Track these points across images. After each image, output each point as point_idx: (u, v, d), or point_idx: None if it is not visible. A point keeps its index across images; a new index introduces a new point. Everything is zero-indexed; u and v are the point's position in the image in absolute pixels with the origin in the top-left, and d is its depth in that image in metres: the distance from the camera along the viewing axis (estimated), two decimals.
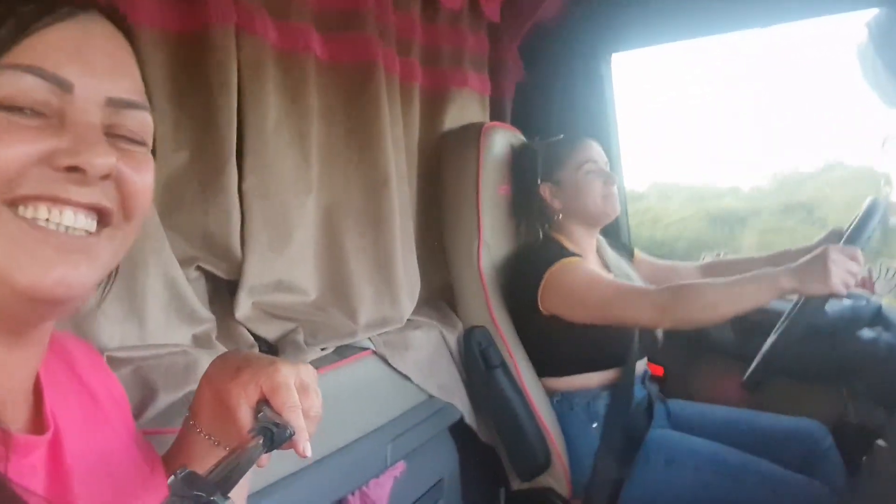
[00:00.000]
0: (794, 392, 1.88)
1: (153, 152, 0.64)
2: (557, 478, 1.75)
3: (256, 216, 1.34)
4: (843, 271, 1.31)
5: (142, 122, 0.60)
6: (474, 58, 2.04)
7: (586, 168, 1.79)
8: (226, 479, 0.52)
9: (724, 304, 1.43)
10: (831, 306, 1.41)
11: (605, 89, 2.29)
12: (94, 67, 0.55)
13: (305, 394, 0.68)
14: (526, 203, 1.88)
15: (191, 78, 1.24)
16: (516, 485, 1.82)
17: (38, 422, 0.62)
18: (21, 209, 0.52)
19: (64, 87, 0.53)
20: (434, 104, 1.92)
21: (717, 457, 1.63)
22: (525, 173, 1.87)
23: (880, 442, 1.03)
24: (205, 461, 0.76)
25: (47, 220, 0.52)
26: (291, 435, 0.63)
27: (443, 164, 1.88)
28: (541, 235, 1.85)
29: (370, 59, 1.54)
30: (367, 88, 1.54)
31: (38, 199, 0.52)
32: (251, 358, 0.71)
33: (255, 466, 0.59)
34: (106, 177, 0.55)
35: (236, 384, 0.68)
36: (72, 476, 0.61)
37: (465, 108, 2.00)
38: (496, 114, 2.19)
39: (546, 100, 2.30)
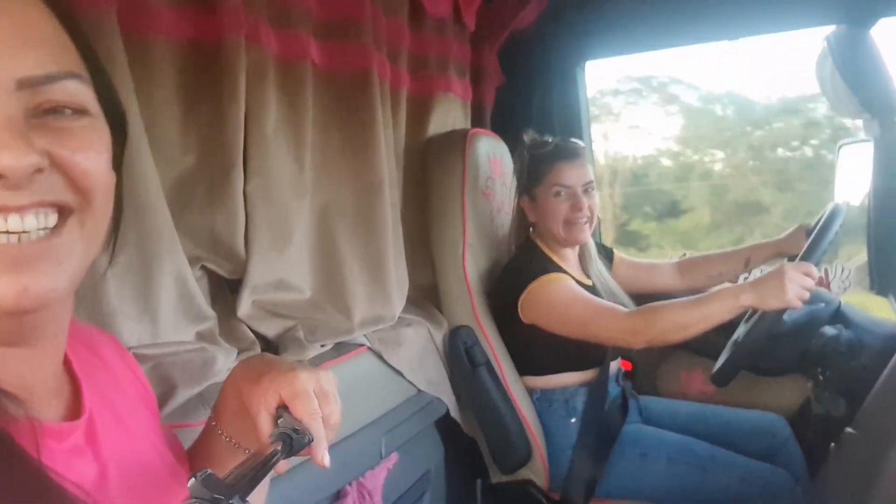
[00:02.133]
0: (756, 385, 1.99)
1: (116, 114, 0.60)
2: (536, 471, 1.83)
3: (259, 218, 1.37)
4: (798, 287, 1.42)
5: (69, 91, 0.52)
6: (457, 64, 2.10)
7: (554, 191, 1.82)
8: (244, 482, 0.53)
9: (692, 323, 1.53)
10: (789, 314, 1.52)
11: (580, 95, 2.38)
12: None
13: (326, 401, 0.68)
14: (515, 209, 1.96)
15: (201, 85, 1.27)
16: (497, 477, 1.89)
17: (75, 408, 0.63)
18: None
19: None
20: (420, 109, 1.97)
21: (687, 449, 1.73)
22: (516, 180, 1.94)
23: (849, 430, 1.12)
24: (224, 463, 0.77)
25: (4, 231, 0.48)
26: (310, 441, 0.64)
27: (429, 169, 1.94)
28: (530, 241, 1.92)
29: (366, 66, 1.58)
30: (363, 94, 1.59)
31: None
32: (273, 364, 0.72)
33: (273, 472, 0.60)
34: (37, 172, 0.49)
35: (257, 390, 0.68)
36: (108, 460, 0.62)
37: (449, 113, 2.06)
38: (476, 118, 2.27)
39: (524, 105, 2.38)
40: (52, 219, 0.51)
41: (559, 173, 1.82)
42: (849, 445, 1.10)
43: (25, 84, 0.49)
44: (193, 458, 0.82)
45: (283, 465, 0.62)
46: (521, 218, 1.93)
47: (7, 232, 0.48)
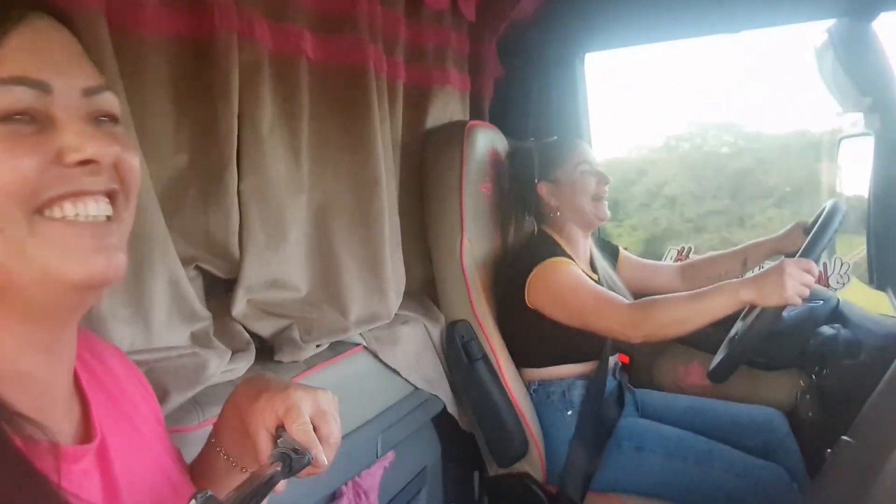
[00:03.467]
0: (753, 381, 1.99)
1: None
2: (533, 464, 1.84)
3: (254, 216, 1.36)
4: (798, 283, 1.41)
5: (111, 101, 0.61)
6: (456, 55, 2.08)
7: (581, 168, 1.85)
8: (245, 503, 0.54)
9: (690, 318, 1.53)
10: (788, 310, 1.51)
11: (579, 87, 2.36)
12: (61, 65, 0.57)
13: (324, 420, 0.69)
14: (521, 201, 1.94)
15: (193, 82, 1.25)
16: (494, 470, 1.90)
17: (85, 429, 0.65)
18: (48, 212, 0.55)
19: (46, 89, 0.55)
20: (417, 101, 1.95)
21: (684, 443, 1.73)
22: (521, 172, 1.92)
23: (846, 437, 1.11)
24: (224, 481, 0.78)
25: (76, 215, 0.56)
26: (310, 461, 0.64)
27: (426, 162, 1.92)
28: (535, 231, 1.92)
29: (361, 60, 1.56)
30: (358, 89, 1.57)
31: (61, 198, 0.55)
32: (270, 384, 0.72)
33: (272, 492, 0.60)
34: (112, 162, 0.58)
35: (255, 409, 0.69)
36: (119, 481, 0.63)
37: (447, 105, 2.04)
38: (475, 110, 2.24)
39: (523, 96, 2.35)
40: (109, 208, 0.59)
41: (583, 152, 1.88)
42: (845, 454, 1.09)
43: (88, 92, 0.58)
44: (193, 475, 0.82)
45: (281, 485, 0.62)
46: (537, 206, 1.92)
47: (85, 216, 0.56)
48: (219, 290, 1.40)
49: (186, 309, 1.23)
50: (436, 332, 1.80)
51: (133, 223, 1.07)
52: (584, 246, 1.94)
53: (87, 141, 0.55)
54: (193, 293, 1.25)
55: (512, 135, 2.14)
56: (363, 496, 1.44)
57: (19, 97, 0.53)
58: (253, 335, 1.37)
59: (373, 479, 1.49)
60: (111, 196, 0.59)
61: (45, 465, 0.54)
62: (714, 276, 2.00)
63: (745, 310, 1.62)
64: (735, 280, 1.52)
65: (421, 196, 1.93)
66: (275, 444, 0.66)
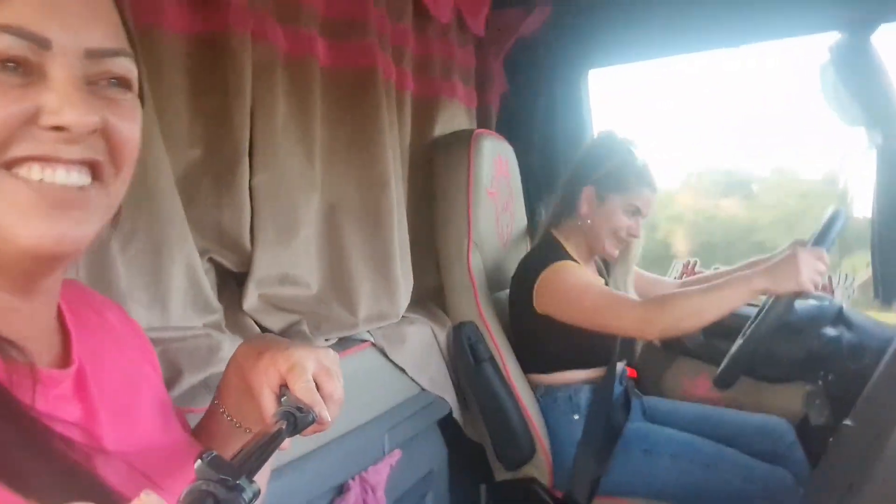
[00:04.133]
0: (760, 391, 1.99)
1: (141, 98, 0.64)
2: (540, 468, 1.83)
3: (265, 212, 1.39)
4: (812, 270, 1.43)
5: (124, 67, 0.58)
6: (462, 70, 2.13)
7: (633, 209, 1.81)
8: (251, 463, 0.54)
9: (706, 310, 1.53)
10: (799, 304, 1.52)
11: (583, 104, 2.40)
12: (69, 20, 0.54)
13: (328, 377, 0.69)
14: (564, 191, 1.93)
15: (207, 79, 1.29)
16: (500, 475, 1.90)
17: (65, 358, 0.65)
18: (15, 169, 0.53)
19: (42, 44, 0.52)
20: (424, 112, 1.99)
21: (691, 446, 1.73)
22: (587, 165, 1.89)
23: (847, 422, 1.12)
24: (227, 443, 0.78)
25: (41, 179, 0.53)
26: (314, 420, 0.65)
27: (435, 169, 1.96)
28: (549, 233, 1.92)
29: (371, 65, 1.61)
30: (368, 93, 1.61)
31: (30, 159, 0.53)
32: (271, 343, 0.73)
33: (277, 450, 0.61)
34: (92, 132, 0.55)
35: (258, 369, 0.70)
36: (98, 408, 0.63)
37: (454, 119, 2.08)
38: (482, 124, 2.28)
39: (528, 112, 2.40)
40: (86, 179, 0.56)
41: (645, 198, 1.83)
42: (846, 438, 1.10)
43: (92, 54, 0.55)
44: (197, 437, 0.82)
45: (286, 443, 0.62)
46: (571, 201, 1.89)
47: (52, 182, 0.54)
48: (231, 284, 1.42)
49: (201, 299, 1.25)
50: (442, 336, 1.82)
51: (152, 208, 1.12)
52: (592, 257, 1.95)
53: (66, 106, 0.52)
54: (207, 283, 1.27)
55: (517, 149, 2.18)
56: (370, 491, 1.44)
57: (9, 45, 0.51)
58: (263, 329, 1.39)
59: (379, 475, 1.49)
60: (93, 167, 0.56)
61: (23, 386, 0.54)
62: None
63: (755, 314, 1.64)
64: (748, 271, 1.54)
65: (428, 202, 1.96)
66: (278, 402, 0.67)
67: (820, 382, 1.79)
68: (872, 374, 1.39)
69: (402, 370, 1.61)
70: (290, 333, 1.40)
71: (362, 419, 1.47)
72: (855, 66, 1.76)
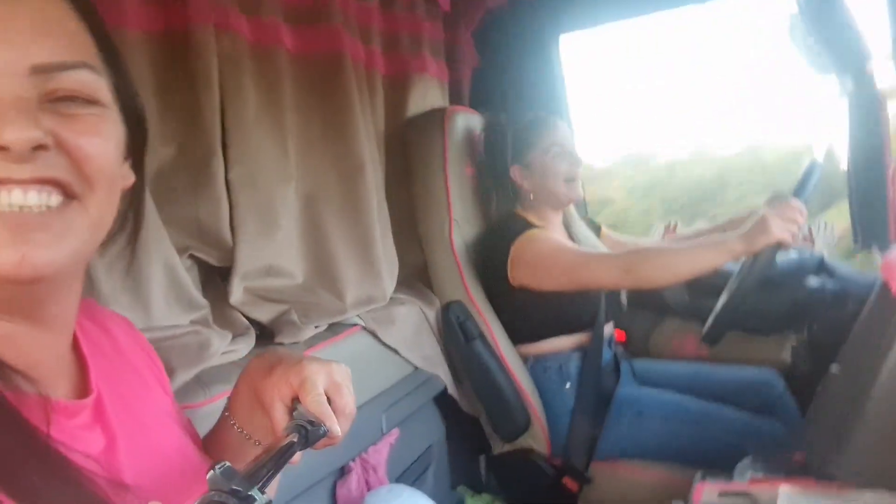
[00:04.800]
0: (747, 343, 2.02)
1: (133, 108, 0.63)
2: (537, 438, 1.86)
3: (244, 205, 1.39)
4: (784, 221, 1.45)
5: (80, 81, 0.55)
6: (432, 44, 2.11)
7: (553, 151, 1.86)
8: (262, 474, 0.54)
9: (682, 265, 1.55)
10: (780, 258, 1.53)
11: (556, 70, 2.39)
12: (10, 36, 0.51)
13: (339, 391, 0.69)
14: (497, 181, 1.96)
15: (174, 75, 1.28)
16: (498, 448, 1.92)
17: (82, 388, 0.65)
18: None
19: None
20: (397, 90, 1.98)
21: (682, 406, 1.75)
22: (495, 153, 1.93)
23: (833, 368, 1.15)
24: (237, 454, 0.79)
25: None
26: (325, 433, 0.65)
27: (409, 150, 1.95)
28: (514, 210, 1.93)
29: (338, 49, 1.60)
30: (337, 78, 1.60)
31: None
32: (283, 356, 0.73)
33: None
34: (39, 148, 0.51)
35: (269, 382, 0.70)
36: (117, 436, 0.64)
37: (427, 94, 2.07)
38: (455, 98, 2.27)
39: (501, 83, 2.39)
40: (56, 199, 0.54)
41: (554, 133, 1.88)
42: (832, 385, 1.12)
43: (39, 70, 0.52)
44: (207, 448, 0.83)
45: (297, 456, 0.62)
46: (512, 188, 1.93)
47: (10, 204, 0.51)
48: (215, 279, 1.42)
49: (184, 296, 1.25)
50: (431, 314, 1.82)
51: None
52: (558, 220, 1.97)
53: (3, 125, 0.50)
54: (190, 281, 1.27)
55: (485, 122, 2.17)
56: (372, 471, 1.46)
57: None
58: (252, 321, 1.39)
59: (380, 454, 1.51)
60: (60, 186, 0.54)
61: (35, 418, 0.54)
62: None
63: (738, 270, 1.66)
64: (725, 234, 1.55)
65: (408, 184, 1.96)
66: (290, 416, 0.67)
67: (805, 332, 1.82)
68: (856, 321, 1.42)
69: (395, 351, 1.62)
70: (279, 323, 1.40)
71: (359, 401, 1.47)
72: (823, 14, 1.76)
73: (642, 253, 1.62)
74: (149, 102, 1.24)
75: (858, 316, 1.51)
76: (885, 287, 1.15)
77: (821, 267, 1.86)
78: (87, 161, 0.55)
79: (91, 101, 0.56)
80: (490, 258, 1.87)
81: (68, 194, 0.55)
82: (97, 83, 0.57)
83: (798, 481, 1.08)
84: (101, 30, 0.60)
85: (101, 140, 0.57)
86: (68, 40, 0.56)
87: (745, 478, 1.32)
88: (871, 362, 0.99)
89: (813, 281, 1.76)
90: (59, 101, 0.54)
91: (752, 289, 1.52)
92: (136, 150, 0.64)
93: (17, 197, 0.51)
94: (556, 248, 1.74)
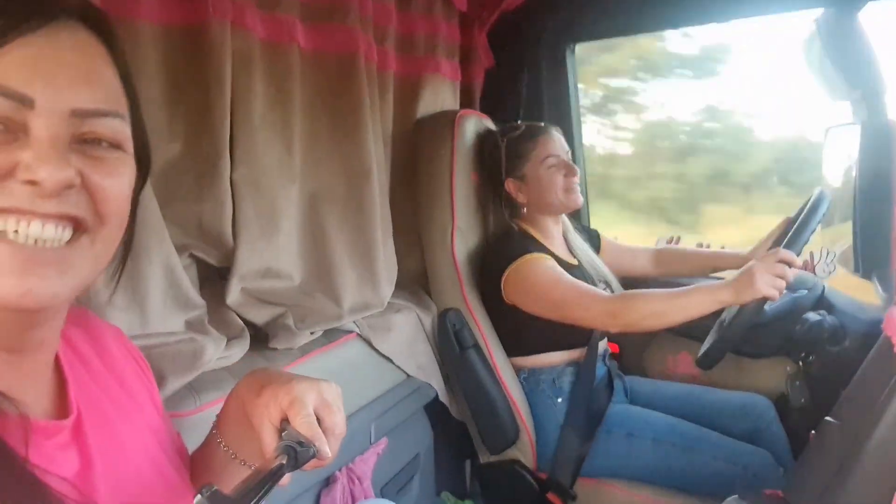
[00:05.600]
0: (741, 367, 2.02)
1: (144, 153, 0.65)
2: (524, 450, 1.85)
3: (247, 205, 1.37)
4: (769, 278, 1.44)
5: (111, 128, 0.59)
6: (446, 45, 2.08)
7: (548, 162, 1.85)
8: (251, 498, 0.54)
9: (670, 313, 1.55)
10: (770, 304, 1.53)
11: (568, 77, 2.36)
12: (56, 81, 0.55)
13: (329, 411, 0.69)
14: (493, 194, 1.95)
15: (186, 71, 1.26)
16: (485, 458, 1.91)
17: (62, 408, 0.65)
18: None
19: (25, 102, 0.53)
20: (408, 90, 1.96)
21: (673, 429, 1.75)
22: (491, 166, 1.93)
23: (829, 419, 1.14)
24: (223, 474, 0.78)
25: (16, 231, 0.53)
26: (315, 454, 0.64)
27: (417, 152, 1.93)
28: (512, 225, 1.92)
29: (352, 49, 1.57)
30: (349, 79, 1.58)
31: (6, 211, 0.53)
32: (274, 376, 0.72)
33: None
34: (68, 187, 0.55)
35: (258, 403, 0.69)
36: (94, 459, 0.63)
37: (438, 95, 2.05)
38: (466, 100, 2.25)
39: (513, 86, 2.36)
40: (68, 233, 0.56)
41: (547, 144, 1.87)
42: (827, 435, 1.11)
43: (78, 114, 0.56)
44: (193, 465, 0.83)
45: (286, 478, 0.62)
46: (508, 200, 1.92)
47: (27, 235, 0.54)
48: (213, 278, 1.41)
49: (181, 296, 1.24)
50: (428, 320, 1.81)
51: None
52: (558, 231, 1.96)
53: (40, 162, 0.53)
54: (188, 281, 1.26)
55: (502, 125, 2.15)
56: (357, 482, 1.46)
57: None
58: (247, 323, 1.38)
59: (366, 465, 1.51)
60: (74, 221, 0.56)
61: (14, 438, 0.54)
62: (684, 271, 2.09)
63: (726, 311, 1.65)
64: (714, 283, 1.56)
65: (413, 186, 1.94)
66: (279, 436, 0.66)
67: (800, 363, 1.81)
68: (852, 357, 1.41)
69: (388, 359, 1.61)
70: (274, 327, 1.39)
71: (349, 410, 1.46)
72: (842, 41, 1.75)
73: (631, 299, 1.61)
74: (157, 97, 1.24)
75: (855, 352, 1.51)
76: (885, 342, 1.14)
77: (821, 301, 1.85)
78: (106, 201, 0.58)
79: (116, 146, 0.60)
80: (487, 273, 1.86)
81: (79, 230, 0.57)
82: (124, 132, 0.61)
83: None
84: (130, 79, 0.63)
85: (120, 183, 0.60)
86: (106, 89, 0.59)
87: None
88: (867, 418, 0.98)
89: (812, 316, 1.75)
90: (87, 143, 0.57)
91: (742, 332, 1.52)
92: (137, 183, 0.65)
93: (35, 229, 0.54)
94: (549, 280, 1.72)
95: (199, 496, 0.50)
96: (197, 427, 0.86)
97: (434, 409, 1.88)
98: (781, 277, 1.45)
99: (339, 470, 1.46)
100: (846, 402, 1.16)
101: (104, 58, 0.60)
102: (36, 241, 0.54)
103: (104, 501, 0.62)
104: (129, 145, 0.62)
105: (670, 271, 2.11)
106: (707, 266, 2.05)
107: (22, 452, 0.54)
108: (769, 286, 1.44)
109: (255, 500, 0.54)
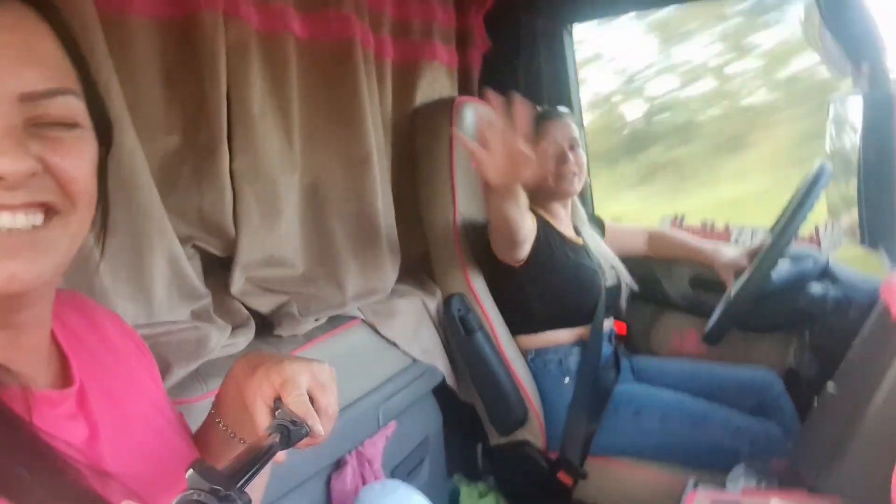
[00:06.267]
0: (748, 342, 2.02)
1: (102, 123, 0.64)
2: (533, 431, 1.87)
3: (248, 195, 1.38)
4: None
5: (65, 106, 0.57)
6: (442, 30, 2.08)
7: (542, 147, 1.86)
8: (242, 474, 0.54)
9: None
10: (778, 272, 1.53)
11: (567, 58, 2.36)
12: (1, 66, 0.53)
13: (322, 391, 0.70)
14: None
15: (181, 63, 1.27)
16: (495, 440, 1.93)
17: (64, 379, 0.66)
18: None
19: None
20: (405, 78, 1.96)
21: (680, 406, 1.76)
22: None
23: (830, 385, 1.14)
24: (224, 453, 0.79)
25: None
26: (307, 433, 0.65)
27: (417, 139, 1.93)
28: None
29: (348, 36, 1.57)
30: (346, 66, 1.58)
31: None
32: (266, 357, 0.73)
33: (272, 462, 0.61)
34: (31, 176, 0.54)
35: (252, 383, 0.70)
36: (100, 426, 0.64)
37: (435, 81, 2.04)
38: (464, 85, 2.24)
39: (511, 70, 2.35)
40: (39, 218, 0.56)
41: (547, 130, 1.89)
42: (829, 400, 1.12)
43: (27, 98, 0.54)
44: (196, 445, 0.83)
45: (281, 455, 0.63)
46: None
47: None
48: (217, 268, 1.42)
49: (186, 286, 1.25)
50: (432, 305, 1.82)
51: (130, 202, 1.12)
52: (565, 212, 1.98)
53: None
54: (192, 271, 1.27)
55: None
56: (367, 464, 1.47)
57: None
58: (252, 311, 1.39)
59: (375, 448, 1.52)
60: (44, 206, 0.56)
61: (17, 409, 0.55)
62: (671, 256, 2.14)
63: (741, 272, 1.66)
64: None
65: (414, 174, 1.94)
66: (273, 416, 0.67)
67: (806, 336, 1.81)
68: (856, 328, 1.41)
69: (394, 344, 1.62)
70: (279, 315, 1.40)
71: (356, 394, 1.49)
72: (841, 13, 1.73)
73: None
74: (154, 90, 1.25)
75: (860, 323, 1.51)
76: (885, 309, 1.14)
77: (825, 272, 1.85)
78: (72, 182, 0.57)
79: (72, 125, 0.58)
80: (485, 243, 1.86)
81: (51, 213, 0.57)
82: (78, 108, 0.59)
83: (790, 494, 1.08)
84: (79, 52, 0.62)
85: (83, 162, 0.59)
86: (53, 67, 0.57)
87: (738, 487, 1.33)
88: (867, 383, 0.98)
89: (816, 287, 1.75)
90: (44, 126, 0.56)
91: (748, 303, 1.52)
92: (101, 155, 0.65)
93: (6, 220, 0.53)
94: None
95: (190, 471, 0.50)
96: (205, 412, 0.87)
97: (443, 394, 1.89)
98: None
99: (349, 453, 1.47)
100: (846, 369, 1.17)
101: (45, 32, 0.58)
102: (10, 231, 0.54)
103: (113, 468, 0.63)
104: (86, 119, 0.60)
105: (660, 253, 2.17)
106: (689, 258, 2.08)
107: (26, 419, 0.55)
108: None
109: (245, 477, 0.54)
